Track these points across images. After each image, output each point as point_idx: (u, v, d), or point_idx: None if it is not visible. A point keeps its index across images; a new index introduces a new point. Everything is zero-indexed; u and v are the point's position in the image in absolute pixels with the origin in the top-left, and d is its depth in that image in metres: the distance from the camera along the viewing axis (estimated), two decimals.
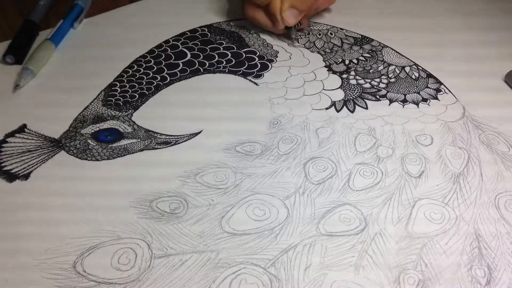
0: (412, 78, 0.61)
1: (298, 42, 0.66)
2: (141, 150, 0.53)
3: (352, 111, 0.57)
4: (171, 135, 0.54)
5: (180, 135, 0.54)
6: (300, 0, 0.63)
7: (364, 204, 0.49)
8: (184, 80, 0.60)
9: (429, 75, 0.62)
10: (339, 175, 0.51)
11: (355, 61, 0.63)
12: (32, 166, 0.51)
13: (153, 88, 0.59)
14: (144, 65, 0.62)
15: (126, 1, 0.71)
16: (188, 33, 0.66)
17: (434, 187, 0.50)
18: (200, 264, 0.44)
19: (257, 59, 0.63)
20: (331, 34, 0.67)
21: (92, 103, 0.57)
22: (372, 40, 0.66)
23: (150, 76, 0.60)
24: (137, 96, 0.58)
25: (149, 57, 0.63)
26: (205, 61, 0.63)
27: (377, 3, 0.72)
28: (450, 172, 0.52)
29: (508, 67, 0.62)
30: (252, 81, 0.61)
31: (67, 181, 0.50)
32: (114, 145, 0.53)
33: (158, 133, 0.54)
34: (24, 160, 0.51)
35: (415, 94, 0.60)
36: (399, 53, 0.64)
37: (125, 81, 0.60)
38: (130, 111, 0.57)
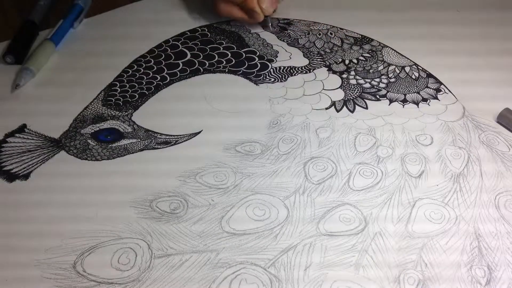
0: (412, 78, 0.61)
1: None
2: (141, 150, 0.53)
3: (352, 111, 0.57)
4: (171, 135, 0.54)
5: (180, 135, 0.54)
6: None
7: (364, 204, 0.49)
8: (184, 80, 0.60)
9: (429, 75, 0.62)
10: (339, 175, 0.51)
11: (355, 61, 0.63)
12: (32, 166, 0.51)
13: (153, 88, 0.59)
14: (144, 65, 0.62)
15: (126, 1, 0.71)
16: (188, 33, 0.66)
17: (434, 187, 0.50)
18: (200, 264, 0.44)
19: (257, 59, 0.63)
20: (331, 34, 0.67)
21: (92, 103, 0.57)
22: (372, 40, 0.66)
23: (150, 76, 0.60)
24: (137, 96, 0.58)
25: (149, 57, 0.63)
26: (205, 61, 0.63)
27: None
28: (450, 172, 0.52)
29: (508, 69, 0.62)
30: (252, 81, 0.61)
31: (67, 181, 0.50)
32: (114, 145, 0.53)
33: (158, 133, 0.54)
34: (24, 160, 0.51)
35: (415, 94, 0.59)
36: (399, 53, 0.64)
37: (125, 81, 0.60)
38: (130, 111, 0.56)
